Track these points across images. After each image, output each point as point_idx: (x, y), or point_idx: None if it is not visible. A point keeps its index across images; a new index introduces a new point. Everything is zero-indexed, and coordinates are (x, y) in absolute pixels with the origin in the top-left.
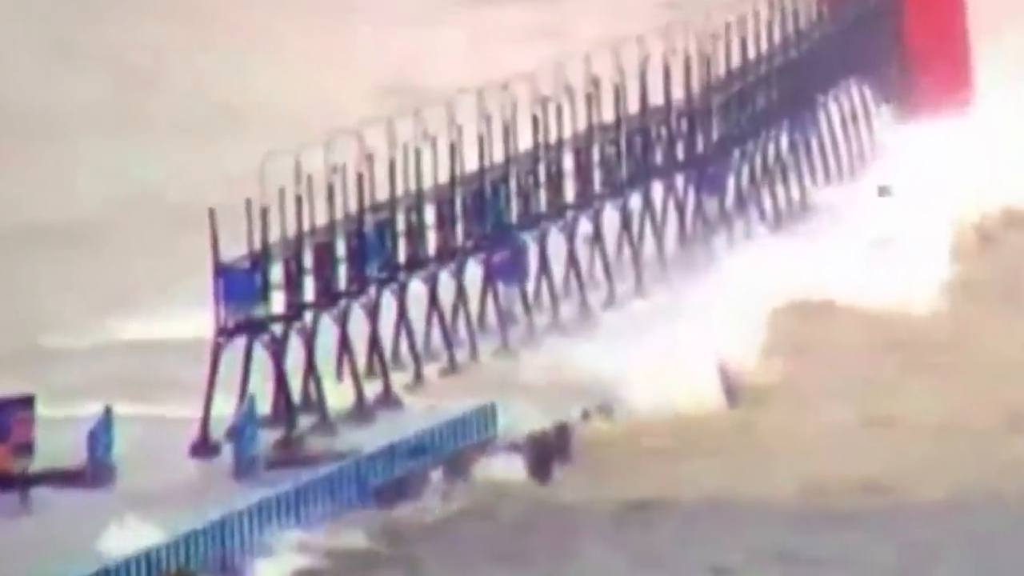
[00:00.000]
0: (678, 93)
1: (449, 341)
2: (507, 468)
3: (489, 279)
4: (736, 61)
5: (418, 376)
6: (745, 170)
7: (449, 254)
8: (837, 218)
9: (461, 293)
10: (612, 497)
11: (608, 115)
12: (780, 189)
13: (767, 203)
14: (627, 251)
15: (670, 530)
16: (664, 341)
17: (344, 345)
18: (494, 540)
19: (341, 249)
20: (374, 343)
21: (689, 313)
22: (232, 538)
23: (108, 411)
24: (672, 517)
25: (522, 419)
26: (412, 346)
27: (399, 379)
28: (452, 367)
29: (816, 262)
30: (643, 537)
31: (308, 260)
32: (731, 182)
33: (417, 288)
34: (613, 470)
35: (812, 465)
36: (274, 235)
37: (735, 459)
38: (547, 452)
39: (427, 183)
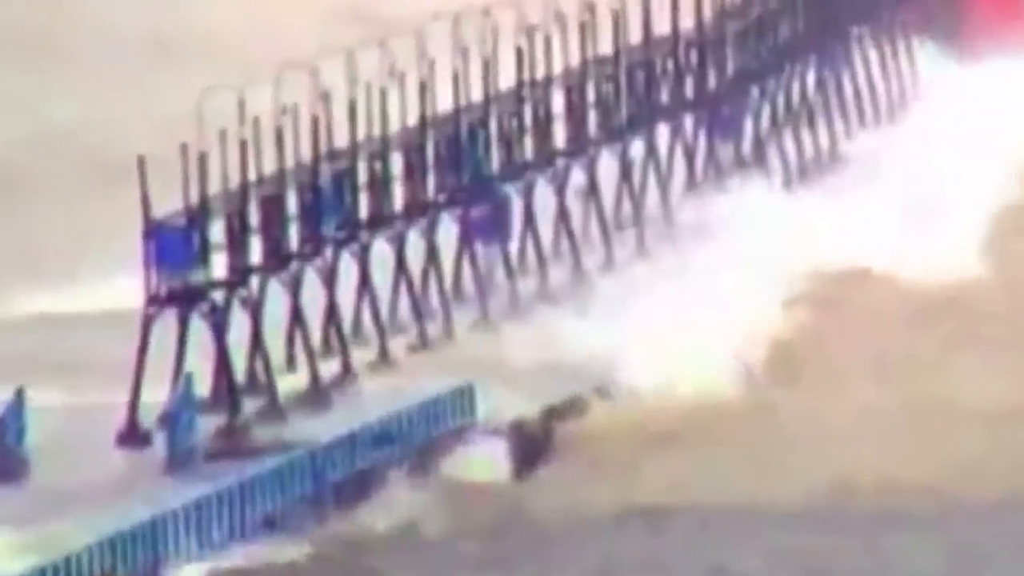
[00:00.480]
0: (687, 21)
1: (419, 312)
2: (487, 461)
3: (466, 239)
4: None
5: (383, 353)
6: (765, 112)
7: (419, 210)
8: (872, 170)
9: (433, 255)
10: (609, 496)
11: (605, 47)
12: (806, 135)
13: (790, 151)
14: (627, 206)
15: (678, 535)
16: (671, 312)
17: (296, 316)
18: (470, 548)
19: (292, 204)
20: (331, 314)
21: (699, 279)
22: (165, 541)
23: (20, 394)
24: (680, 520)
25: (505, 404)
26: (376, 318)
27: (361, 356)
28: (423, 342)
29: (847, 220)
30: (645, 543)
31: (254, 216)
32: (748, 126)
33: (381, 250)
34: (611, 464)
35: (844, 458)
36: (214, 187)
37: (754, 451)
38: (533, 443)
39: (393, 127)
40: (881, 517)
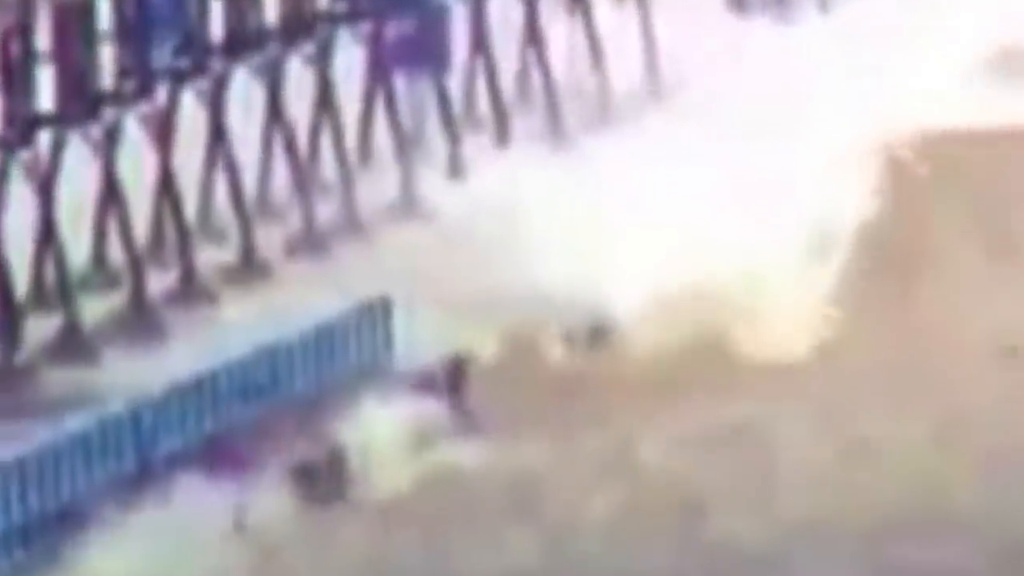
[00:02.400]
0: None
1: (304, 187)
2: (413, 425)
3: (379, 71)
4: None
5: (248, 254)
6: None
7: (304, 25)
8: None
9: (327, 97)
10: (596, 480)
11: None
12: None
13: None
14: (635, 14)
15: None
16: (697, 186)
17: (110, 194)
18: (385, 566)
19: (105, 15)
20: (166, 190)
21: (742, 131)
22: None
23: None
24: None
25: (440, 334)
26: (236, 195)
27: (213, 258)
28: (310, 237)
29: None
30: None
31: (42, 36)
32: None
33: (246, 87)
34: (599, 435)
35: (976, 432)
36: None
37: (827, 412)
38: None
39: None
40: None
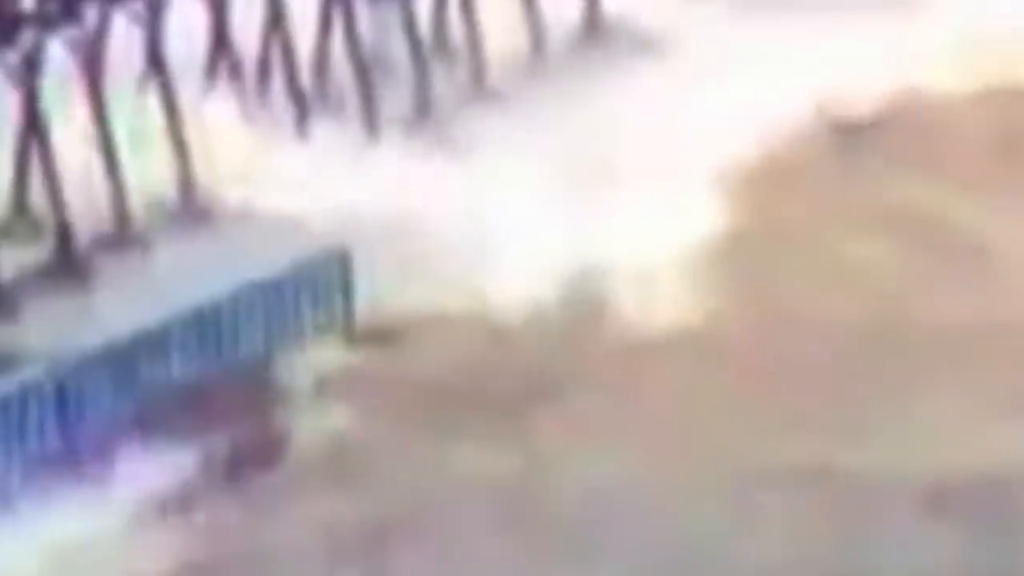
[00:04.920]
0: None
1: (251, 120)
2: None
3: None
4: None
5: (187, 191)
6: None
7: None
8: None
9: (278, 18)
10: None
11: None
12: None
13: None
14: None
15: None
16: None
17: (32, 127)
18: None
19: None
20: (100, 125)
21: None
22: None
23: None
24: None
25: (410, 297)
26: (174, 132)
27: (144, 201)
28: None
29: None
30: None
31: None
32: None
33: (185, 9)
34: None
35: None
36: None
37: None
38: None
39: None
40: None
